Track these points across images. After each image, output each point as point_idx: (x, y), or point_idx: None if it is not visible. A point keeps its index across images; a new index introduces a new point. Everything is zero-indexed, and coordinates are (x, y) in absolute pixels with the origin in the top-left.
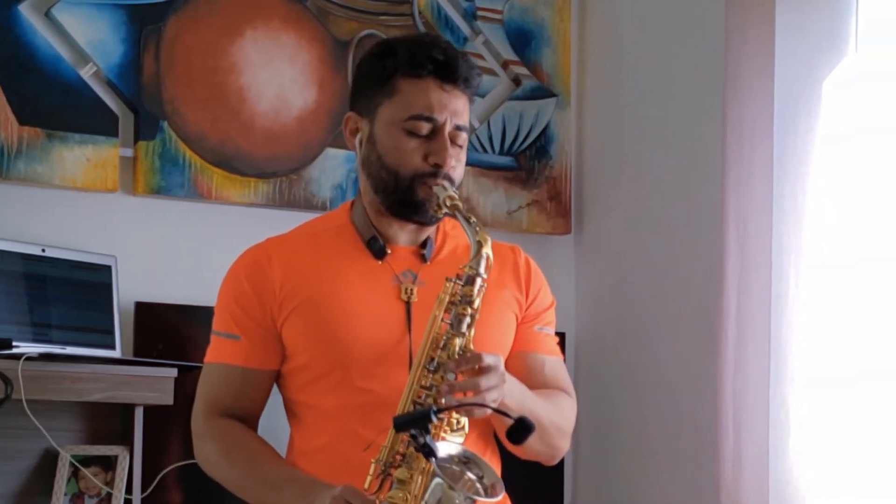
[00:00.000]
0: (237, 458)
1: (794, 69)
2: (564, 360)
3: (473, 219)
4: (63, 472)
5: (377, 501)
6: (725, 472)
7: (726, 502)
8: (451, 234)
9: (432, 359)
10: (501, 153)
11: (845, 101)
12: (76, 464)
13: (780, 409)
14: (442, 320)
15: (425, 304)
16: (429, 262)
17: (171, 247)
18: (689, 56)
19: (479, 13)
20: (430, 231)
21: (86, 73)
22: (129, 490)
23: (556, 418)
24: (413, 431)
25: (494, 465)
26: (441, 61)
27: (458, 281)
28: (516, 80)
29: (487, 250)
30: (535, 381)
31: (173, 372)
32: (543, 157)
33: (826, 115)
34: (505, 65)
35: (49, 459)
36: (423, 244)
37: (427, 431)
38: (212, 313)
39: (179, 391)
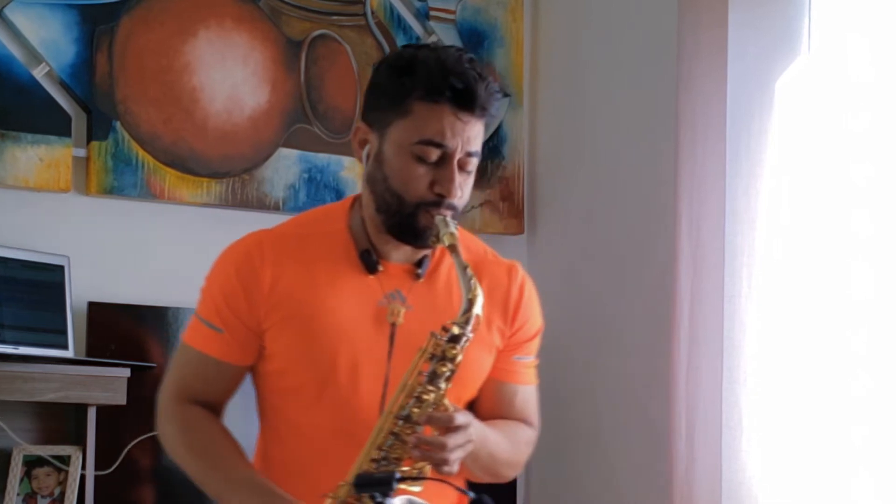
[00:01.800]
0: (200, 450)
1: (746, 70)
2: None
3: (469, 270)
4: (16, 471)
5: None
6: (678, 473)
7: (679, 503)
8: (447, 255)
9: (403, 408)
10: None
11: (798, 102)
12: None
13: (732, 410)
14: (420, 372)
15: (410, 330)
16: (422, 280)
17: (124, 247)
18: (642, 57)
19: (432, 13)
20: (427, 250)
21: (38, 73)
22: (81, 490)
23: (511, 456)
24: (374, 493)
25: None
26: (460, 89)
27: (442, 338)
28: None
29: (478, 310)
30: (503, 409)
31: (126, 372)
32: (496, 157)
33: (779, 115)
34: None
35: (1, 459)
36: (419, 262)
37: (387, 496)
38: (165, 314)
39: (132, 391)
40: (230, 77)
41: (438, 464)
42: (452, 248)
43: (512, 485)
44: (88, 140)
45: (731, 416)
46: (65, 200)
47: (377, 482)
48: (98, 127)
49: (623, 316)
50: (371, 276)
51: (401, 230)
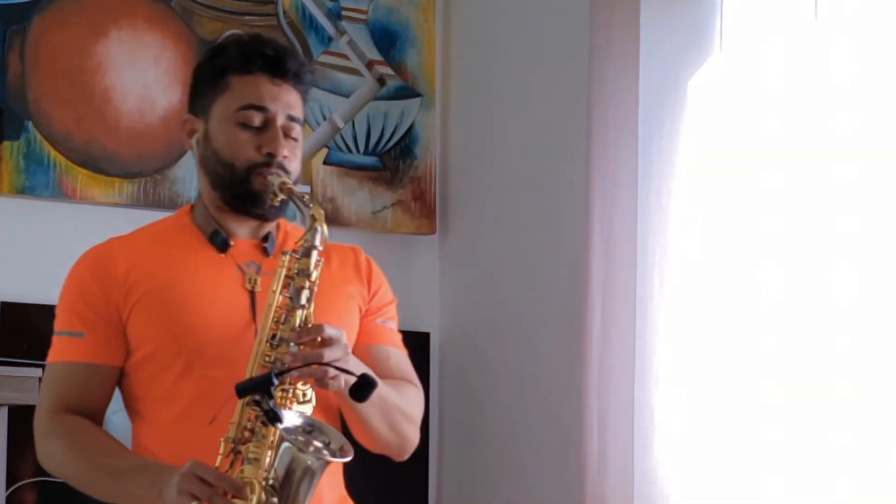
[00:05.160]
0: (82, 452)
1: (658, 69)
2: (428, 360)
3: (307, 197)
4: None
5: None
6: (590, 472)
7: (591, 502)
8: (291, 234)
9: (274, 334)
10: (366, 153)
11: (710, 101)
12: None
13: (644, 410)
14: (281, 294)
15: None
16: (271, 256)
17: (37, 247)
18: (554, 57)
19: (344, 13)
20: (270, 227)
21: None
22: None
23: (402, 404)
24: (256, 397)
25: None
26: (271, 57)
27: (294, 254)
28: (381, 81)
29: (321, 224)
30: (380, 372)
31: (38, 372)
32: (408, 157)
33: (691, 114)
34: (370, 65)
35: None
36: (265, 238)
37: (270, 396)
38: None
39: None
40: (142, 77)
41: (320, 377)
42: (288, 191)
43: (423, 484)
44: (0, 140)
45: (642, 417)
46: None
47: (257, 384)
48: (10, 126)
49: (535, 316)
50: (223, 255)
51: (238, 199)
